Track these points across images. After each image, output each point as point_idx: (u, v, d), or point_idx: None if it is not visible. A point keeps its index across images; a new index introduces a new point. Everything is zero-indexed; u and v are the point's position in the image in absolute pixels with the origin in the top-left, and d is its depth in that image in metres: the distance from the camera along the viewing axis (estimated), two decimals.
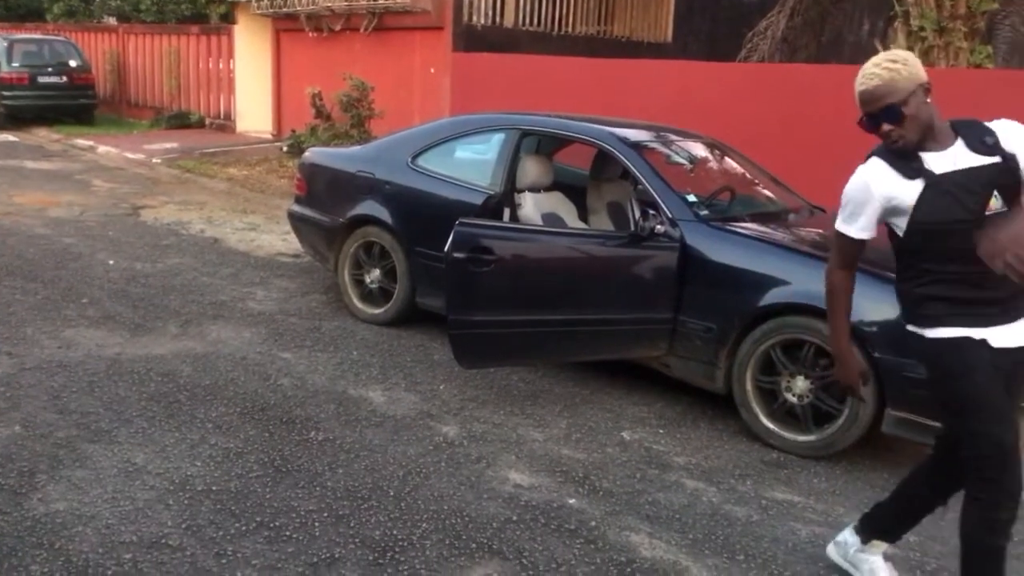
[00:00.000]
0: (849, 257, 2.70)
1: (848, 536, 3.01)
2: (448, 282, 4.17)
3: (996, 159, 2.46)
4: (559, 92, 9.22)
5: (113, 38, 17.84)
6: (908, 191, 2.51)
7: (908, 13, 7.94)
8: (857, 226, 2.62)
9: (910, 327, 2.65)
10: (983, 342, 2.50)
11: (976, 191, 2.45)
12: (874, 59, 2.55)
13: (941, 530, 3.37)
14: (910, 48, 7.93)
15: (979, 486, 2.52)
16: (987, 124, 2.53)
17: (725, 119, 7.77)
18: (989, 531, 2.54)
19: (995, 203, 2.48)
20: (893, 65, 2.48)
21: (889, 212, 2.56)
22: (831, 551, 3.06)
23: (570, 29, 13.06)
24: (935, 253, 2.53)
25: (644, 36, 14.21)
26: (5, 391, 4.10)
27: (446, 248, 4.07)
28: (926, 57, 7.73)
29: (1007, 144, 2.47)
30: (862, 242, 2.65)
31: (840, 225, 2.67)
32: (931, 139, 2.51)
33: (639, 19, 14.16)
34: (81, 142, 13.70)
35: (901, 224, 2.55)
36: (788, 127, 7.41)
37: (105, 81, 17.59)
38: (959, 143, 2.51)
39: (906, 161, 2.52)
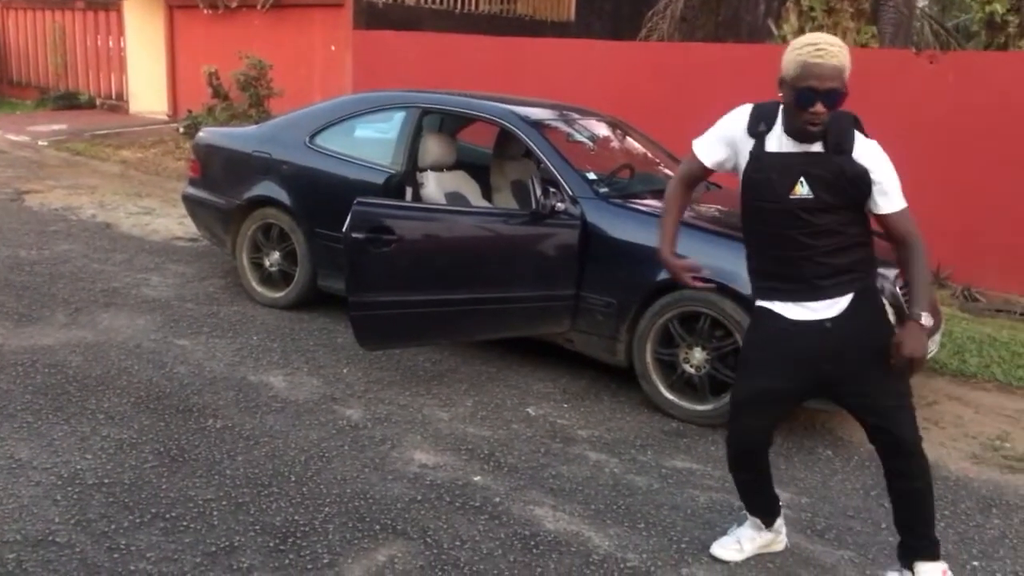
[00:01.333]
0: (689, 174, 2.84)
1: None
2: (347, 263, 4.11)
3: (826, 152, 2.52)
4: (463, 71, 9.17)
5: None
6: (745, 149, 2.62)
7: None
8: (705, 145, 2.73)
9: None
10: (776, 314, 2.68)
11: (788, 176, 2.54)
12: (825, 37, 2.48)
13: (829, 491, 3.52)
14: (801, 28, 8.19)
15: None
16: (857, 134, 2.54)
17: (626, 97, 7.87)
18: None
19: (800, 189, 2.54)
20: (845, 51, 2.45)
21: (733, 158, 2.67)
22: None
23: (473, 7, 12.99)
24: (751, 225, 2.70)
25: (547, 15, 14.23)
26: None
27: (344, 228, 4.01)
28: None
29: (859, 158, 2.52)
30: (702, 167, 2.75)
31: (696, 143, 2.77)
32: None
33: None
34: None
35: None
36: (686, 104, 7.55)
37: None
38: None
39: (764, 123, 2.59)
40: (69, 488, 3.14)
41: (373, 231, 4.03)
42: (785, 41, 8.42)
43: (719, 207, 4.81)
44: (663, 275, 4.10)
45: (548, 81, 8.32)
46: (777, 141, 2.58)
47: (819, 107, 2.44)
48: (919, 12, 13.91)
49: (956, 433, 4.23)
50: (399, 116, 5.17)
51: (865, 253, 2.67)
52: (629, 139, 5.69)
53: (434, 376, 4.47)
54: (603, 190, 4.50)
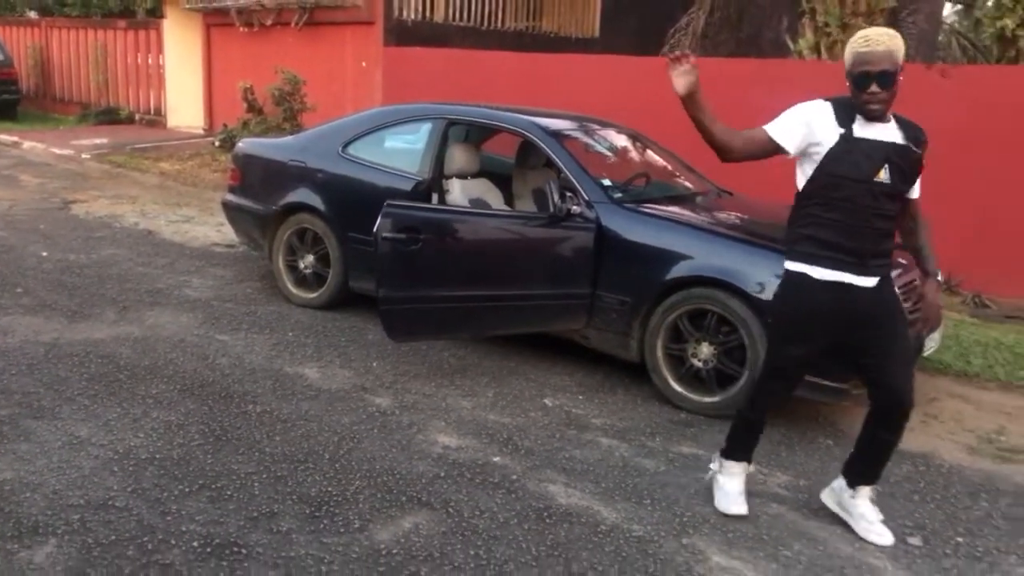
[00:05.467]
0: (754, 145, 3.03)
1: (839, 485, 3.34)
2: (377, 261, 4.41)
3: (908, 144, 2.94)
4: (488, 85, 9.48)
5: (36, 32, 17.50)
6: (831, 134, 2.93)
7: (815, 10, 8.41)
8: (781, 130, 2.99)
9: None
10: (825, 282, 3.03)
11: (874, 160, 2.91)
12: (875, 29, 2.93)
13: (827, 476, 3.74)
14: (817, 43, 8.42)
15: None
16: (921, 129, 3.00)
17: (646, 111, 8.13)
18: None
19: (883, 174, 2.93)
20: (895, 38, 2.86)
21: (808, 146, 2.97)
22: (825, 496, 3.39)
23: (500, 24, 13.34)
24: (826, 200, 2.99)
25: (572, 32, 14.56)
26: None
27: (375, 228, 4.31)
28: (831, 51, 8.22)
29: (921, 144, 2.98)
30: (771, 144, 3.00)
31: (771, 126, 3.03)
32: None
33: (567, 15, 14.50)
34: (5, 138, 13.47)
35: (809, 169, 3.00)
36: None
37: (28, 76, 17.26)
38: (893, 124, 2.96)
39: (844, 114, 2.93)
40: (124, 462, 3.45)
41: (401, 231, 4.33)
42: (801, 56, 8.66)
43: (730, 213, 5.07)
44: (673, 274, 4.38)
45: (572, 95, 8.60)
46: (861, 128, 2.93)
47: (874, 87, 2.84)
48: (948, 27, 14.08)
49: (955, 427, 4.43)
50: (426, 127, 5.47)
51: (893, 244, 3.10)
52: (645, 148, 5.95)
53: (458, 369, 4.75)
54: (617, 195, 4.76)
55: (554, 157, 4.93)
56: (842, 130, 2.93)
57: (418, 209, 4.50)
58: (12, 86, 15.95)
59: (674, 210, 4.79)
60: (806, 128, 2.97)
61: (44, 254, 6.68)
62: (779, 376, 3.20)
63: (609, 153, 5.72)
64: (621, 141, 5.93)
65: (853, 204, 2.94)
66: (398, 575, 2.82)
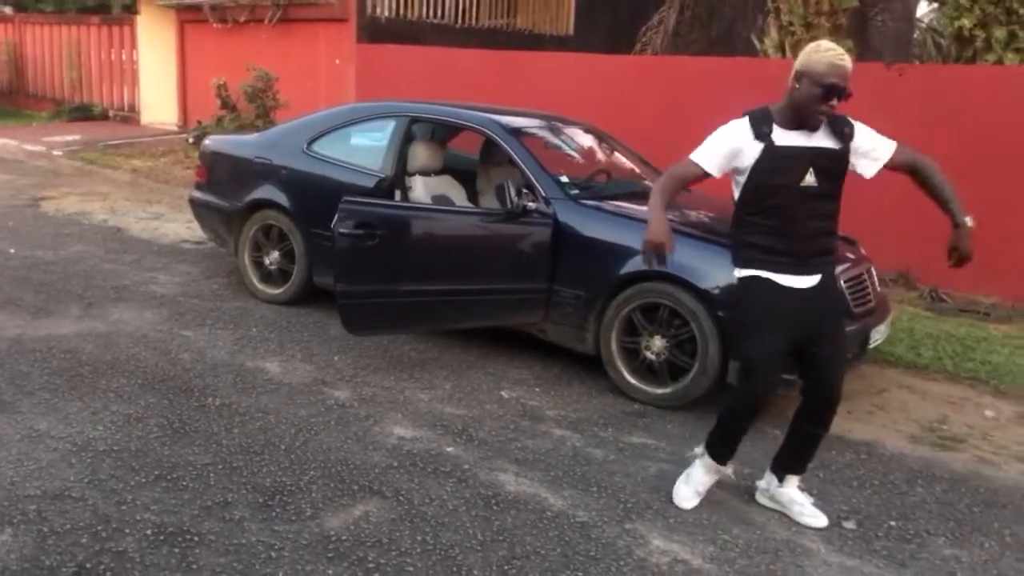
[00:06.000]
0: (683, 177, 3.21)
1: (766, 481, 3.46)
2: (335, 255, 4.49)
3: (831, 147, 3.06)
4: (462, 83, 9.55)
5: (9, 28, 17.38)
6: (752, 150, 3.06)
7: (779, 9, 8.54)
8: (707, 156, 3.13)
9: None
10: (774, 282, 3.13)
11: (798, 166, 3.04)
12: (833, 44, 3.03)
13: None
14: (781, 41, 8.55)
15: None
16: (851, 120, 3.11)
17: (617, 108, 8.25)
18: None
19: (809, 178, 3.06)
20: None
21: (734, 167, 3.11)
22: (759, 498, 3.48)
23: (474, 22, 13.41)
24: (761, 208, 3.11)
25: (546, 29, 14.65)
26: None
27: (332, 223, 4.39)
28: (795, 50, 8.34)
29: (856, 140, 3.09)
30: (702, 174, 3.16)
31: (696, 155, 3.15)
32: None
33: (541, 12, 14.59)
34: None
35: (741, 180, 3.13)
36: (672, 114, 7.93)
37: (1, 72, 17.14)
38: (823, 129, 3.08)
39: (762, 126, 3.06)
40: (82, 454, 3.51)
41: (358, 226, 4.42)
42: (766, 55, 8.79)
43: (687, 210, 5.17)
44: (627, 269, 4.49)
45: (545, 93, 8.69)
46: (782, 137, 3.06)
47: (835, 101, 2.97)
48: (925, 27, 14.25)
49: (899, 417, 4.57)
50: (389, 125, 5.55)
51: (835, 241, 3.25)
52: (608, 147, 6.06)
53: (417, 363, 4.83)
54: (574, 192, 4.86)
55: (512, 154, 5.02)
56: (762, 144, 3.05)
57: (374, 205, 4.58)
58: None
59: (630, 206, 4.89)
60: (728, 151, 3.11)
61: (11, 251, 6.71)
62: (758, 374, 3.19)
63: (570, 150, 5.82)
64: (584, 139, 6.03)
65: (786, 209, 3.08)
66: (346, 560, 2.91)
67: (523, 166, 4.92)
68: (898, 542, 3.26)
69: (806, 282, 3.14)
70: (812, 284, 3.15)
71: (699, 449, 3.46)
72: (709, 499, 3.47)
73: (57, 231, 7.54)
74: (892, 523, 3.40)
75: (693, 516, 3.34)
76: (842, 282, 4.43)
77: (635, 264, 4.45)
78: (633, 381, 4.49)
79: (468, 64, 10.05)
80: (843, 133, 3.09)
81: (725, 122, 3.19)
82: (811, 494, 3.45)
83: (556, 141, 5.76)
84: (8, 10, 19.15)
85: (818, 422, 3.30)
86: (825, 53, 2.97)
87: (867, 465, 3.94)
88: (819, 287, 3.17)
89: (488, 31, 13.54)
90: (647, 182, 5.68)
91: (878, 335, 4.65)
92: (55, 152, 12.00)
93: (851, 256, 4.73)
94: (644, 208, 4.87)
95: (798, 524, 3.32)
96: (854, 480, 3.77)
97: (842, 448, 4.07)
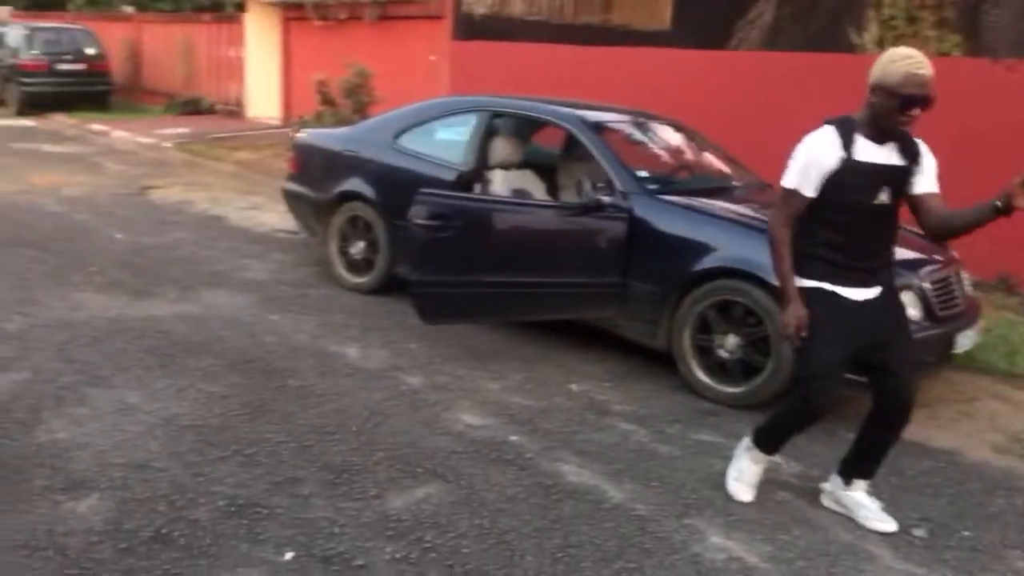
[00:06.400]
0: (795, 212, 3.11)
1: (832, 484, 3.39)
2: (412, 246, 4.61)
3: (907, 165, 3.01)
4: (555, 79, 9.60)
5: (128, 27, 18.36)
6: (834, 161, 2.98)
7: (881, 2, 8.26)
8: (802, 180, 3.05)
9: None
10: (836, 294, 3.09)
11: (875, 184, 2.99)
12: (913, 50, 2.92)
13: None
14: (881, 37, 8.26)
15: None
16: (914, 138, 3.05)
17: (708, 104, 8.15)
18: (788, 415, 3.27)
19: (882, 197, 3.02)
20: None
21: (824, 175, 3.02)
22: (824, 500, 3.41)
23: (569, 18, 13.40)
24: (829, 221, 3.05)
25: (643, 25, 14.49)
26: (18, 344, 4.56)
27: (409, 215, 4.51)
28: (896, 44, 8.04)
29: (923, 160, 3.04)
30: (805, 200, 3.07)
31: (792, 182, 3.07)
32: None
33: (638, 8, 14.42)
34: (96, 127, 14.20)
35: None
36: (766, 112, 7.79)
37: (121, 68, 18.11)
38: (892, 144, 3.01)
39: (846, 137, 2.98)
40: (167, 427, 3.72)
41: (432, 217, 4.51)
42: (865, 51, 8.51)
43: (767, 206, 5.08)
44: (702, 265, 4.44)
45: (637, 88, 8.64)
46: (864, 151, 3.00)
47: (917, 111, 2.88)
48: None
49: (986, 426, 4.38)
50: (472, 119, 5.64)
51: (894, 252, 3.21)
52: (693, 143, 5.99)
53: (490, 354, 4.90)
54: (652, 187, 4.84)
55: (591, 148, 5.03)
56: (843, 155, 2.97)
57: (447, 197, 4.67)
58: (105, 78, 16.80)
59: (708, 202, 4.84)
60: (821, 169, 3.01)
61: (118, 236, 7.11)
62: (816, 386, 3.13)
63: (653, 146, 5.78)
64: (669, 135, 5.98)
65: (856, 225, 3.04)
66: (404, 539, 2.99)
67: (601, 160, 4.93)
68: (970, 552, 3.15)
69: (868, 294, 3.11)
70: (874, 296, 3.12)
71: (746, 441, 3.42)
72: (771, 499, 3.42)
73: (161, 219, 7.94)
74: (965, 533, 3.28)
75: (754, 515, 3.29)
76: (928, 283, 4.29)
77: (709, 260, 4.41)
78: (705, 379, 4.44)
79: (561, 60, 10.09)
80: (911, 152, 3.03)
81: (817, 119, 3.11)
82: (880, 499, 3.36)
83: (639, 137, 5.73)
84: (129, 9, 20.22)
85: (890, 428, 3.22)
86: (901, 63, 2.87)
87: (945, 473, 3.80)
88: (880, 298, 3.14)
89: (583, 27, 13.50)
90: (729, 176, 5.62)
91: (966, 340, 4.47)
92: (165, 144, 12.61)
93: (939, 258, 4.56)
94: (721, 204, 4.89)
95: (863, 528, 3.24)
96: (929, 488, 3.64)
97: (920, 455, 3.94)
